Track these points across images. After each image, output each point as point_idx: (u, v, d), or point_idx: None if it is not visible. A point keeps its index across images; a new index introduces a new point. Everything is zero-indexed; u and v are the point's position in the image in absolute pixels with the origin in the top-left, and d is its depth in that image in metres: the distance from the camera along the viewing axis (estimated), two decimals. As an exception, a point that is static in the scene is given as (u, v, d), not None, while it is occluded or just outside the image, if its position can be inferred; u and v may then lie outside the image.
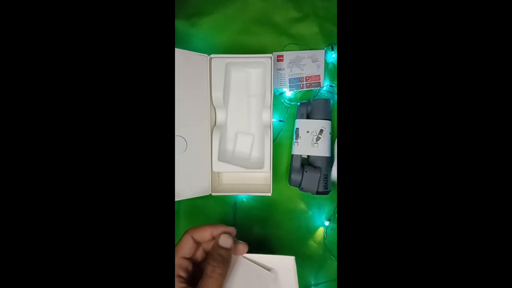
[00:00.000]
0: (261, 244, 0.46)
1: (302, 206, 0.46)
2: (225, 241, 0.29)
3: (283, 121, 0.46)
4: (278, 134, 0.46)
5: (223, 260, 0.28)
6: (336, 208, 0.45)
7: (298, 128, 0.44)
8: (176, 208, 0.46)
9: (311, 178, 0.42)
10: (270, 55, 0.40)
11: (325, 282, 0.44)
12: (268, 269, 0.31)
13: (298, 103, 0.45)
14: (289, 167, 0.45)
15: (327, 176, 0.43)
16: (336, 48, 0.46)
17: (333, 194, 0.44)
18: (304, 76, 0.46)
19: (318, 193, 0.42)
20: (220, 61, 0.41)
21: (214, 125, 0.44)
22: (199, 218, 0.46)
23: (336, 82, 0.46)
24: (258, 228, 0.46)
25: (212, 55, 0.41)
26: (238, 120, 0.45)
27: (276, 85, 0.46)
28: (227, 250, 0.29)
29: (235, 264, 0.30)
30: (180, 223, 0.46)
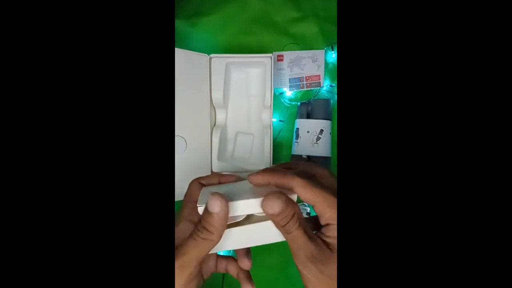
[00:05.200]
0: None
1: (302, 206, 0.46)
2: (212, 205, 0.23)
3: (283, 121, 0.46)
4: (278, 134, 0.46)
5: (208, 226, 0.23)
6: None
7: (298, 128, 0.44)
8: (176, 208, 0.46)
9: (311, 178, 0.42)
10: (270, 55, 0.40)
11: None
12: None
13: (298, 103, 0.45)
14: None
15: (327, 176, 0.43)
16: (336, 48, 0.46)
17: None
18: (304, 76, 0.46)
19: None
20: (220, 61, 0.41)
21: (214, 125, 0.44)
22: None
23: (336, 82, 0.46)
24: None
25: (212, 55, 0.41)
26: (238, 120, 0.45)
27: (276, 85, 0.46)
28: (215, 215, 0.23)
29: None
30: (180, 223, 0.46)
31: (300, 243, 0.22)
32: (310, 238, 0.23)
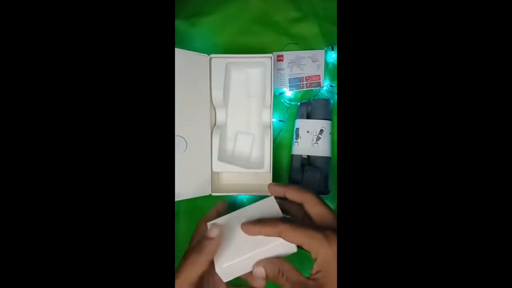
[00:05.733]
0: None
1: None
2: (212, 231, 0.29)
3: (283, 121, 0.46)
4: (278, 134, 0.46)
5: (203, 249, 0.28)
6: (336, 208, 0.45)
7: (298, 128, 0.44)
8: (176, 208, 0.46)
9: (311, 178, 0.42)
10: (270, 55, 0.40)
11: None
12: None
13: (298, 103, 0.45)
14: (289, 167, 0.45)
15: (327, 176, 0.43)
16: (336, 48, 0.46)
17: (333, 194, 0.45)
18: (304, 76, 0.46)
19: (318, 193, 0.42)
20: (220, 61, 0.41)
21: (214, 125, 0.44)
22: (199, 219, 0.46)
23: (336, 82, 0.46)
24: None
25: (212, 55, 0.41)
26: (238, 120, 0.45)
27: (276, 85, 0.46)
28: (212, 240, 0.28)
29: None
30: (180, 224, 0.46)
31: None
32: (299, 283, 0.26)
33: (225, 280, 0.29)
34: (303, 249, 0.28)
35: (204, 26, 0.47)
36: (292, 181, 0.43)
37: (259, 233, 0.28)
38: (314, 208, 0.30)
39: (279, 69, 0.46)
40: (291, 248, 0.28)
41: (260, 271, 0.27)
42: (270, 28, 0.47)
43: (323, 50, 0.46)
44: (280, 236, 0.27)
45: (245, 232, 0.29)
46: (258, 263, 0.28)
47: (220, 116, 0.44)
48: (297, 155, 0.43)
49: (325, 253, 0.25)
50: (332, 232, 0.26)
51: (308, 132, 0.43)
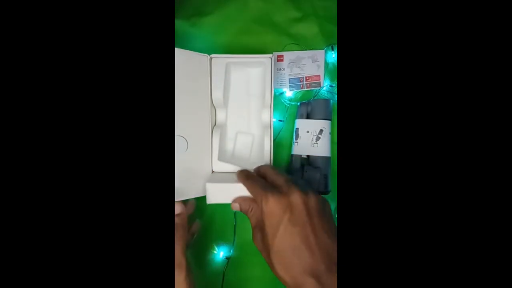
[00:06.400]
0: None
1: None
2: (176, 208, 0.38)
3: (283, 121, 0.46)
4: (278, 134, 0.46)
5: (176, 227, 0.36)
6: (336, 208, 0.45)
7: (298, 128, 0.44)
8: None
9: (311, 178, 0.42)
10: (270, 55, 0.40)
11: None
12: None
13: (298, 103, 0.45)
14: (289, 167, 0.45)
15: (327, 176, 0.43)
16: (336, 48, 0.46)
17: (333, 194, 0.45)
18: (304, 76, 0.46)
19: (318, 193, 0.42)
20: (220, 61, 0.41)
21: (214, 125, 0.44)
22: (199, 218, 0.46)
23: (336, 82, 0.46)
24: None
25: (212, 55, 0.41)
26: (238, 120, 0.45)
27: (276, 85, 0.46)
28: (177, 215, 0.37)
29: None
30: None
31: (252, 228, 0.34)
32: (257, 223, 0.33)
33: (208, 202, 0.37)
34: None
35: (204, 26, 0.47)
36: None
37: (238, 181, 0.36)
38: (272, 176, 0.36)
39: (279, 69, 0.46)
40: None
41: (235, 206, 0.36)
42: (270, 28, 0.47)
43: (323, 50, 0.46)
44: (244, 186, 0.35)
45: (236, 177, 0.37)
46: (235, 200, 0.36)
47: (220, 116, 0.44)
48: (296, 155, 0.44)
49: (258, 208, 0.32)
50: (271, 192, 0.31)
51: (308, 132, 0.43)
